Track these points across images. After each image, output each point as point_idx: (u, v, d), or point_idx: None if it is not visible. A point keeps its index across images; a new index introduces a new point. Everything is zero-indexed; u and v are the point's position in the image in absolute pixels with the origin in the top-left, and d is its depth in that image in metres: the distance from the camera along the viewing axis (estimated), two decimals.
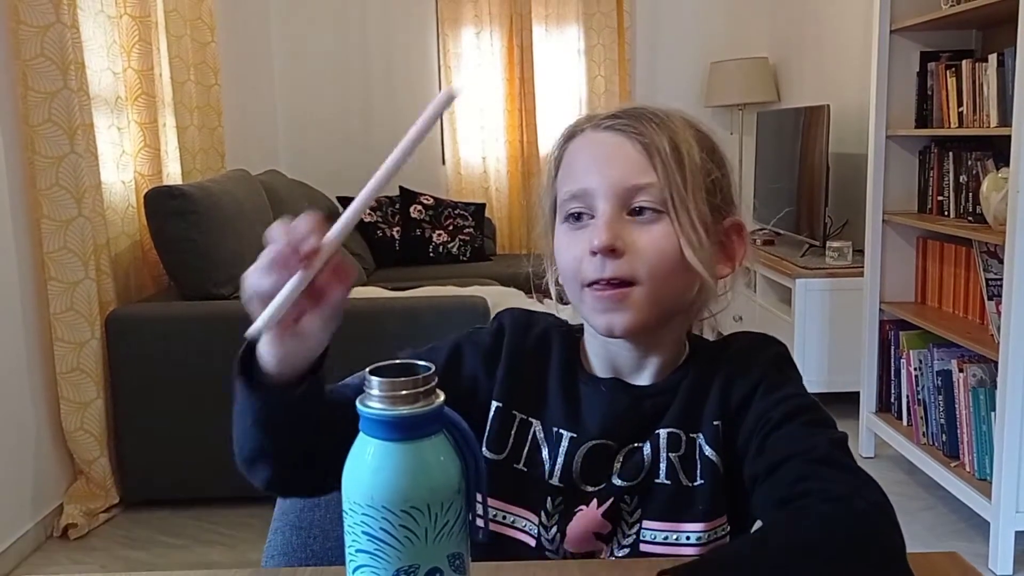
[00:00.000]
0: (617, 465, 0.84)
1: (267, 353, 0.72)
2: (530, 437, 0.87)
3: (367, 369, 0.60)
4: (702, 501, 0.82)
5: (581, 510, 0.84)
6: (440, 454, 0.60)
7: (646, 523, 0.83)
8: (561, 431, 0.86)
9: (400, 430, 0.58)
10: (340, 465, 0.61)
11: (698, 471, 0.83)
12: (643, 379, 0.87)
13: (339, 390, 0.80)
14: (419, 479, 0.59)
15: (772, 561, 0.66)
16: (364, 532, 0.59)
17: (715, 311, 0.91)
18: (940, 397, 2.60)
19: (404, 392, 0.59)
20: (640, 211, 0.81)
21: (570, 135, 0.87)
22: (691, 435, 0.84)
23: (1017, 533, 2.24)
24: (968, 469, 2.47)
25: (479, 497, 0.63)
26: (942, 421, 2.60)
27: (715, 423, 0.84)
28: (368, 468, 0.59)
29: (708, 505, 0.82)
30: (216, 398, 2.61)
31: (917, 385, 2.73)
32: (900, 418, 2.86)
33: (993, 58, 2.41)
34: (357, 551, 0.60)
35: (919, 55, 2.78)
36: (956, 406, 2.54)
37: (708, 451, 0.83)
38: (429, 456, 0.59)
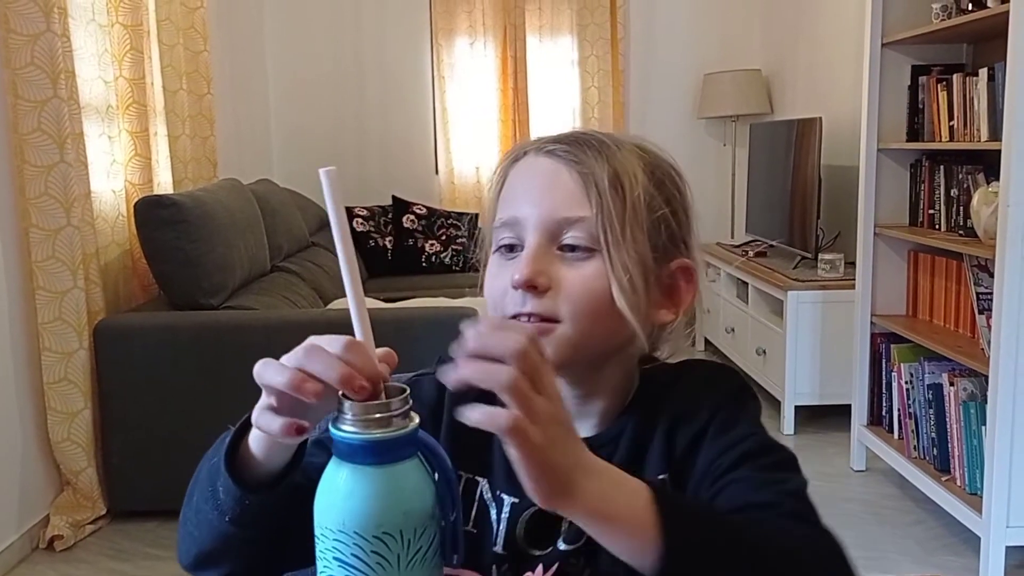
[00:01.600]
0: (563, 528, 0.77)
1: (262, 437, 0.66)
2: (478, 497, 0.81)
3: (339, 392, 0.59)
4: None
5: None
6: (414, 478, 0.58)
7: None
8: (503, 495, 0.80)
9: (373, 454, 0.57)
10: (310, 541, 0.59)
11: None
12: (585, 429, 0.80)
13: (308, 456, 0.72)
14: (392, 504, 0.57)
15: (740, 541, 0.63)
16: (335, 558, 0.58)
17: (661, 357, 0.84)
18: (931, 411, 2.59)
19: (377, 415, 0.57)
20: (570, 247, 0.75)
21: (515, 157, 0.81)
22: None
23: (1008, 548, 2.23)
24: (959, 483, 2.47)
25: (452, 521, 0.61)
26: (933, 435, 2.59)
27: (660, 477, 0.77)
28: (339, 493, 0.57)
29: None
30: (205, 408, 2.63)
31: (908, 398, 2.73)
32: (891, 431, 2.86)
33: (984, 72, 2.41)
34: None
35: (910, 69, 2.79)
36: (947, 420, 2.53)
37: None
38: (403, 480, 0.58)
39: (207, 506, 0.70)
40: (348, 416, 0.58)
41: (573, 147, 0.77)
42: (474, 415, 0.55)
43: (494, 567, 0.79)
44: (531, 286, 0.73)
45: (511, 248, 0.77)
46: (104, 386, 2.66)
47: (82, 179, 2.63)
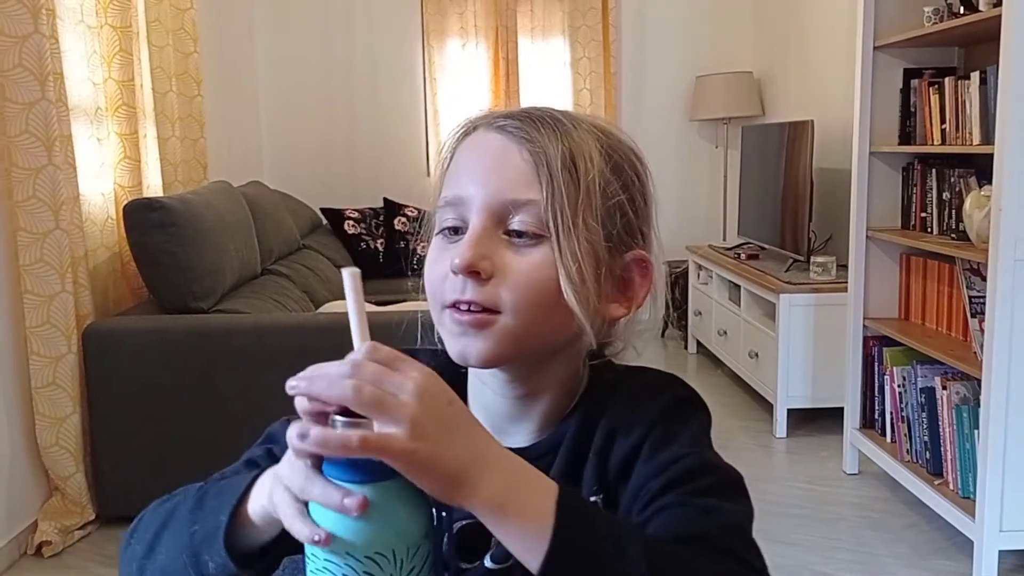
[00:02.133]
0: (493, 545, 0.71)
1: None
2: None
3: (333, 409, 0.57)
4: None
5: None
6: (407, 497, 0.57)
7: None
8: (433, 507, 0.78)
9: (364, 472, 0.55)
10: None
11: None
12: (523, 433, 0.75)
13: None
14: (385, 523, 0.55)
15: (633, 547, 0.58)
16: None
17: (609, 354, 0.78)
18: (924, 414, 2.59)
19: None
20: (516, 232, 0.69)
21: (465, 132, 0.75)
22: None
23: (1001, 552, 2.23)
24: (952, 487, 2.47)
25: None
26: (926, 438, 2.59)
27: (592, 499, 0.71)
28: (331, 512, 0.56)
29: None
30: (195, 413, 2.62)
31: (901, 402, 2.73)
32: (884, 435, 2.86)
33: (976, 76, 2.41)
34: None
35: (902, 72, 2.79)
36: (940, 423, 2.53)
37: None
38: (395, 498, 0.56)
39: (185, 571, 0.65)
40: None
41: (525, 123, 0.71)
42: (311, 439, 0.53)
43: None
44: (473, 272, 0.68)
45: (455, 231, 0.71)
46: (93, 391, 2.63)
47: (70, 182, 2.61)
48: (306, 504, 0.57)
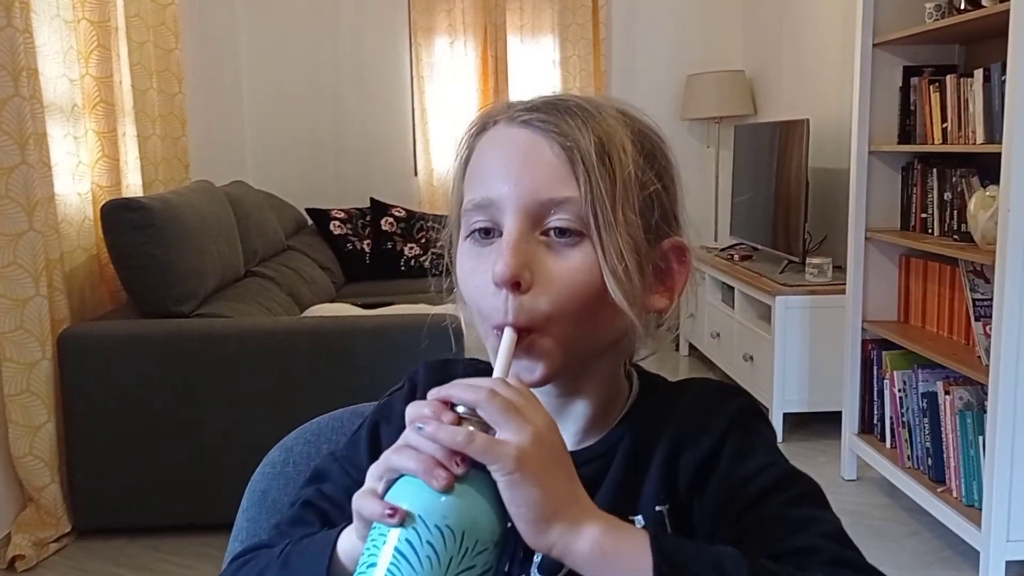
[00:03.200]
0: (537, 557, 0.68)
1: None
2: None
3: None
4: None
5: None
6: (492, 494, 0.55)
7: None
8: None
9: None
10: None
11: None
12: (566, 436, 0.68)
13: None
14: (466, 502, 0.54)
15: None
16: (384, 534, 0.55)
17: (646, 354, 0.76)
18: (925, 420, 2.53)
19: (478, 419, 0.57)
20: (556, 232, 0.65)
21: (482, 127, 0.71)
22: (628, 518, 0.68)
23: (1008, 563, 2.17)
24: (955, 495, 2.41)
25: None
26: (928, 444, 2.53)
27: (658, 508, 0.68)
28: (415, 480, 0.55)
29: None
30: (175, 422, 2.52)
31: (901, 407, 2.67)
32: (883, 440, 2.80)
33: (979, 73, 2.35)
34: (368, 566, 0.55)
35: (902, 69, 2.73)
36: (942, 429, 2.47)
37: None
38: (482, 488, 0.55)
39: None
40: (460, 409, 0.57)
41: (552, 116, 0.66)
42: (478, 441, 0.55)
43: None
44: (514, 283, 0.64)
45: (487, 232, 0.67)
46: (68, 398, 2.54)
47: (45, 181, 2.52)
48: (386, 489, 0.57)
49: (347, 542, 0.63)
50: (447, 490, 0.54)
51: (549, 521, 0.55)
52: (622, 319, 0.67)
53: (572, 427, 0.72)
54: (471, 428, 0.55)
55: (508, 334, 0.62)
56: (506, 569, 0.69)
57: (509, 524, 0.56)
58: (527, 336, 0.64)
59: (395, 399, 0.77)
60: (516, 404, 0.56)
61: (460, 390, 0.57)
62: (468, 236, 0.68)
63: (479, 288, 0.66)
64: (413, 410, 0.58)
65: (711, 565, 0.57)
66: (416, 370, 0.79)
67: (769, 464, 0.67)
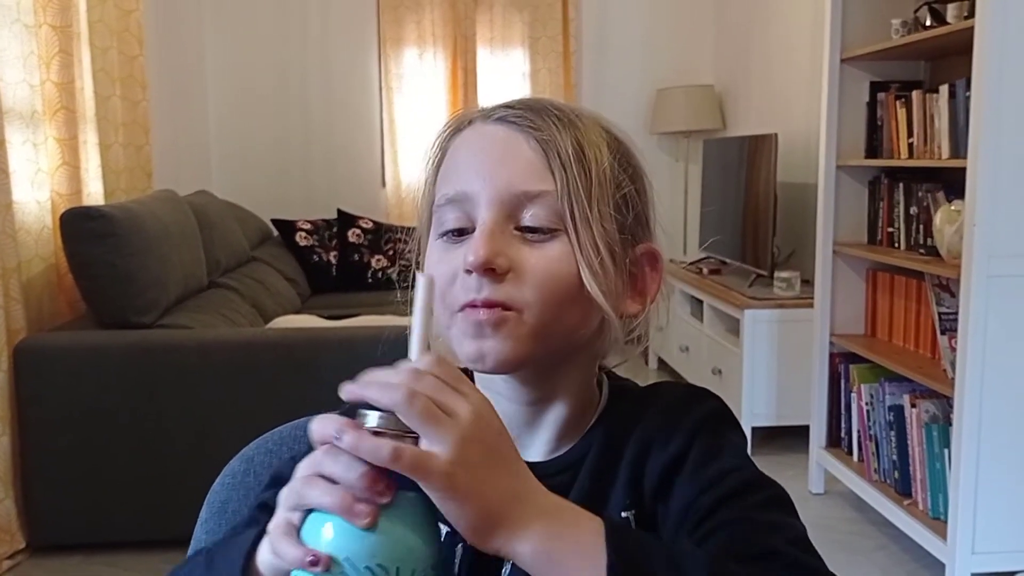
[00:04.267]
0: (506, 568, 0.66)
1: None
2: None
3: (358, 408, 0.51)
4: None
5: None
6: (422, 512, 0.51)
7: None
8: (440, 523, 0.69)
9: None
10: None
11: None
12: (539, 445, 0.70)
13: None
14: (397, 531, 0.50)
15: None
16: None
17: (618, 361, 0.75)
18: (892, 433, 2.54)
19: (394, 431, 0.50)
20: (530, 230, 0.65)
21: (456, 128, 0.70)
22: None
23: (973, 575, 2.18)
24: (921, 507, 2.41)
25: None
26: (894, 457, 2.54)
27: (624, 514, 0.67)
28: (335, 517, 0.50)
29: None
30: (135, 436, 2.46)
31: (868, 420, 2.68)
32: (851, 453, 2.80)
33: (944, 89, 2.38)
34: None
35: (869, 85, 2.75)
36: (909, 442, 2.48)
37: None
38: (410, 512, 0.50)
39: None
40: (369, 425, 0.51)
41: (529, 113, 0.67)
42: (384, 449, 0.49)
43: None
44: (489, 268, 0.62)
45: (460, 232, 0.66)
46: (24, 411, 2.47)
47: (3, 188, 2.46)
48: (301, 522, 0.52)
49: (266, 556, 0.58)
50: (373, 527, 0.49)
51: (491, 529, 0.52)
52: (596, 316, 0.66)
53: (545, 435, 0.70)
54: (394, 443, 0.49)
55: (421, 279, 0.56)
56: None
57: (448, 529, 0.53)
58: (502, 312, 0.63)
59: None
60: (440, 401, 0.51)
61: (376, 392, 0.51)
62: (440, 237, 0.67)
63: (446, 278, 0.64)
64: (320, 426, 0.52)
65: (669, 563, 0.55)
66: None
67: (736, 468, 0.66)
